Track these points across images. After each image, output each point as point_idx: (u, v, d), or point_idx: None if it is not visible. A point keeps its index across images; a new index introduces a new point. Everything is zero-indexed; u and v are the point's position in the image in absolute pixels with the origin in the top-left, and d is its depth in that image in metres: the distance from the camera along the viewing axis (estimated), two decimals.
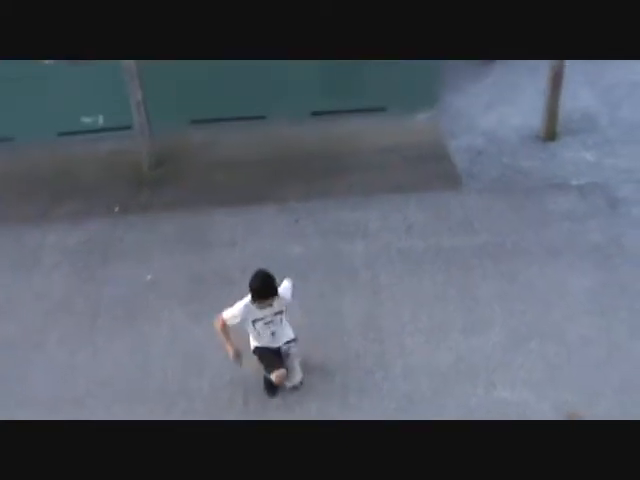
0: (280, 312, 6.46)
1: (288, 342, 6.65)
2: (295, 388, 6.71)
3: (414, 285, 7.69)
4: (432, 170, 9.37)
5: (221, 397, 6.69)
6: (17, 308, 7.81)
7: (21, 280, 8.16)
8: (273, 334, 6.52)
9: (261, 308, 6.29)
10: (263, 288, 6.18)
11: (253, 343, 6.62)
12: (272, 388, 6.72)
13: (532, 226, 8.33)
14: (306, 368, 6.88)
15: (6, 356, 7.28)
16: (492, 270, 7.78)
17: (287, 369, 6.61)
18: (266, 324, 6.44)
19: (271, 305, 6.30)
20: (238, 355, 6.51)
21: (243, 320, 6.35)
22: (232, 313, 6.33)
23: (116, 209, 9.02)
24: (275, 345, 6.61)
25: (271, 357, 6.60)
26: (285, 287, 6.54)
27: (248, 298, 6.28)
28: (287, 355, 6.67)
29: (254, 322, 6.40)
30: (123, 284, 7.97)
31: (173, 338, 7.22)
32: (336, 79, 9.94)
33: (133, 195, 9.27)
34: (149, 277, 7.91)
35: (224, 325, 6.37)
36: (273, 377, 6.53)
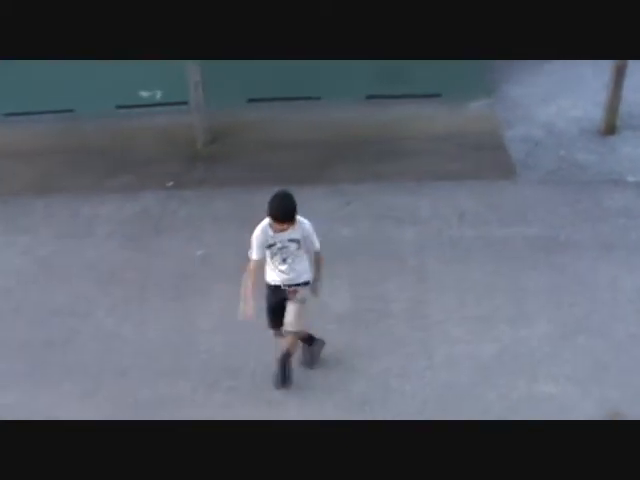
0: (296, 240, 6.18)
1: (298, 284, 6.37)
2: (289, 333, 6.45)
3: (462, 273, 7.65)
4: (486, 159, 9.30)
5: (266, 375, 6.72)
6: (68, 277, 7.95)
7: (74, 249, 8.30)
8: (284, 261, 6.25)
9: (276, 232, 6.10)
10: (280, 209, 6.03)
11: (266, 277, 6.41)
12: (281, 372, 6.63)
13: (586, 220, 8.23)
14: (351, 351, 6.92)
15: (55, 324, 7.42)
16: (543, 262, 7.71)
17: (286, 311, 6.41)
18: (280, 249, 6.19)
19: (285, 230, 6.10)
20: (249, 314, 6.24)
21: (263, 245, 6.14)
22: (254, 245, 6.19)
23: (170, 183, 9.12)
24: (285, 280, 6.32)
25: (270, 304, 6.46)
26: (308, 224, 6.27)
27: (265, 221, 6.16)
28: (292, 297, 6.39)
29: (269, 247, 6.19)
30: (174, 258, 8.06)
31: (221, 314, 7.25)
32: (392, 63, 9.88)
33: (187, 170, 9.36)
34: (199, 252, 7.99)
35: (257, 265, 6.24)
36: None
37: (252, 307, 6.21)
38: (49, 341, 7.23)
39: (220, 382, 6.72)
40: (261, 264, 6.30)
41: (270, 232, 6.12)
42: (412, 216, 8.40)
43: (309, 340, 6.79)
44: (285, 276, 6.34)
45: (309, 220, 6.26)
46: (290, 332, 6.45)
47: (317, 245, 6.30)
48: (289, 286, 6.37)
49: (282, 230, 6.09)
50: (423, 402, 6.46)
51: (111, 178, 9.31)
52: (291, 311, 6.39)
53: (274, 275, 6.37)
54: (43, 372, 6.92)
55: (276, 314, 6.49)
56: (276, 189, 6.18)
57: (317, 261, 6.40)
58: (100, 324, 7.39)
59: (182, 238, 8.30)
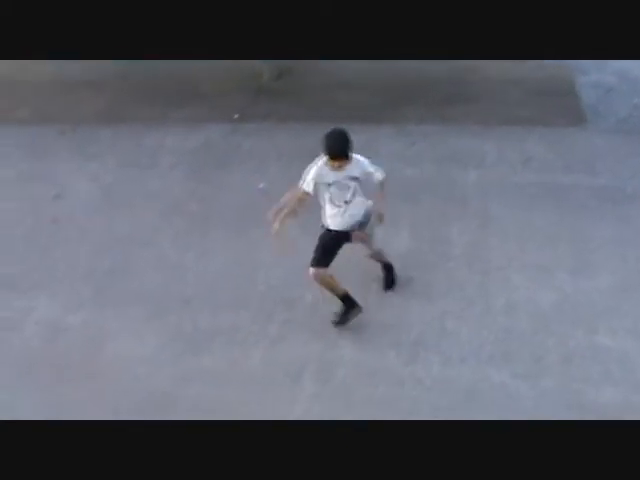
0: (356, 178, 6.18)
1: (361, 223, 6.42)
2: (377, 254, 6.78)
3: (525, 220, 7.57)
4: (556, 105, 9.13)
5: (322, 309, 6.78)
6: (133, 206, 8.07)
7: (138, 180, 8.42)
8: (347, 203, 6.27)
9: (334, 170, 6.12)
10: (335, 145, 6.03)
11: (326, 220, 6.43)
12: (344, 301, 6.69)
13: None
14: (409, 291, 6.94)
15: (120, 252, 7.56)
16: (609, 213, 7.58)
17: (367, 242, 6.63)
18: (340, 190, 6.20)
19: (343, 168, 6.11)
20: (283, 246, 6.46)
21: (318, 181, 6.17)
22: (307, 177, 6.23)
23: (235, 116, 9.13)
24: (348, 223, 6.36)
25: (333, 248, 6.40)
26: (364, 160, 6.30)
27: (323, 159, 6.15)
28: (363, 236, 6.52)
29: (329, 186, 6.19)
30: (237, 190, 8.12)
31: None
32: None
33: (252, 104, 9.37)
34: (262, 185, 8.02)
35: (304, 196, 6.28)
36: (310, 271, 6.40)
37: (286, 241, 6.39)
38: (112, 268, 7.39)
39: (277, 314, 6.80)
40: (306, 198, 6.30)
41: (327, 170, 6.12)
42: (477, 160, 8.32)
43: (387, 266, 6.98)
44: (349, 219, 6.36)
45: (371, 159, 6.23)
46: (377, 251, 6.76)
47: (379, 174, 6.35)
48: (352, 230, 6.42)
49: (339, 167, 6.07)
50: (479, 346, 6.46)
51: (176, 110, 9.36)
52: (368, 246, 6.63)
53: (337, 219, 6.37)
54: (107, 297, 7.08)
55: (333, 256, 6.47)
56: (331, 128, 6.16)
57: (381, 187, 6.45)
58: (163, 254, 7.51)
59: (245, 171, 8.35)
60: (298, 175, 8.01)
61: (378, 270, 7.00)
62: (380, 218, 6.56)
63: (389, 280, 6.99)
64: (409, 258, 7.23)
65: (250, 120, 9.09)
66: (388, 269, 6.97)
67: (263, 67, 9.64)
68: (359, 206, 6.36)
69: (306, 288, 6.98)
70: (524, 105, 9.10)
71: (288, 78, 9.65)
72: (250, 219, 7.72)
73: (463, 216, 7.65)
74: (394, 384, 6.24)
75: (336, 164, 6.05)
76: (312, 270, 6.41)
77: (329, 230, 6.45)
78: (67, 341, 6.74)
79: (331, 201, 6.28)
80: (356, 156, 6.16)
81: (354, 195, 6.26)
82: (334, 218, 6.38)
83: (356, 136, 8.48)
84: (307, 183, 6.23)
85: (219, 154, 8.59)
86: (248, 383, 6.32)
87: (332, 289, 6.53)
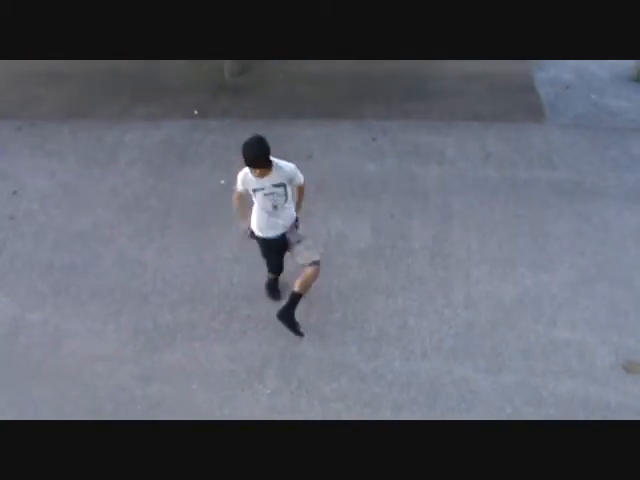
0: (281, 185, 6.03)
1: (291, 225, 6.29)
2: (315, 263, 6.27)
3: (486, 215, 7.62)
4: (515, 101, 9.19)
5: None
6: (92, 202, 7.97)
7: (97, 175, 8.32)
8: (275, 208, 6.11)
9: (257, 177, 5.94)
10: (251, 154, 5.81)
11: (256, 230, 6.29)
12: (270, 285, 6.85)
13: (614, 168, 8.15)
14: (369, 288, 6.95)
15: (79, 248, 7.48)
16: (568, 208, 7.65)
17: (297, 253, 6.31)
18: (266, 195, 6.05)
19: (266, 175, 5.93)
20: (250, 233, 6.34)
21: (244, 187, 6.08)
22: (237, 181, 6.14)
23: (195, 112, 9.08)
24: (278, 229, 6.23)
25: (270, 255, 6.48)
26: (288, 166, 6.11)
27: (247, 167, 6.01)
28: (295, 240, 6.30)
29: (254, 191, 6.07)
30: (197, 186, 8.07)
31: (242, 244, 7.25)
32: None
33: (213, 100, 9.31)
34: (223, 182, 7.98)
35: (238, 196, 6.26)
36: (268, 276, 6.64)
37: (248, 227, 6.31)
38: (72, 265, 7.31)
39: (238, 310, 6.78)
40: (243, 195, 6.22)
41: (251, 177, 5.98)
42: (438, 155, 8.35)
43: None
44: (274, 226, 6.23)
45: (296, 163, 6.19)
46: (314, 262, 6.29)
47: (301, 180, 6.23)
48: (279, 238, 6.29)
49: (261, 175, 5.93)
50: (440, 340, 6.50)
51: (137, 106, 9.28)
52: (303, 248, 6.30)
53: (265, 227, 6.24)
54: (66, 294, 7.01)
55: (277, 261, 6.52)
56: (250, 135, 5.90)
57: (299, 193, 6.37)
58: (123, 250, 7.44)
59: (206, 167, 8.30)
60: None
61: (339, 268, 7.00)
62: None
63: (289, 310, 6.47)
64: (370, 253, 7.25)
65: (211, 116, 9.04)
66: (294, 298, 6.45)
67: (224, 63, 9.59)
68: (287, 214, 6.24)
69: None
70: (484, 101, 9.16)
71: (249, 74, 9.61)
72: (210, 215, 7.69)
73: (424, 211, 7.68)
74: (356, 380, 6.26)
75: (257, 172, 5.91)
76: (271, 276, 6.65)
77: (262, 239, 6.34)
78: (26, 339, 6.66)
79: (262, 208, 6.16)
80: (279, 162, 6.02)
81: (284, 201, 6.13)
82: (259, 224, 6.25)
83: (317, 131, 8.61)
84: (238, 185, 6.16)
85: (179, 150, 8.53)
86: (210, 380, 6.30)
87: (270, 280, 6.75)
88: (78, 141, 8.75)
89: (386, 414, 6.01)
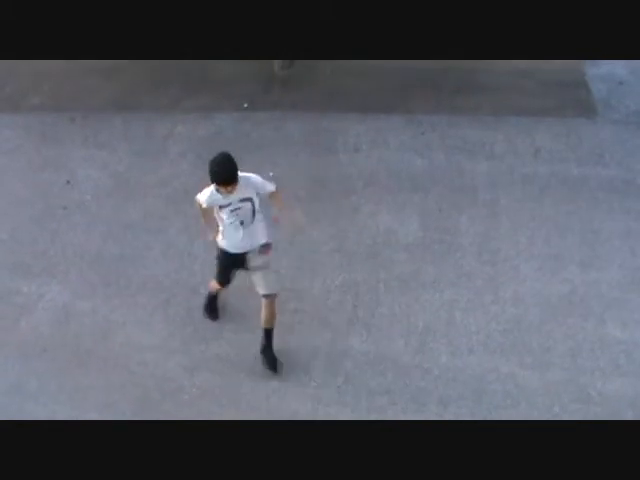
0: (248, 199, 5.93)
1: (260, 245, 6.15)
2: (269, 297, 6.23)
3: (535, 211, 7.55)
4: (567, 96, 9.06)
5: (331, 299, 6.81)
6: (142, 194, 8.07)
7: (148, 167, 8.40)
8: (242, 223, 5.99)
9: (226, 193, 5.85)
10: (220, 172, 5.76)
11: (220, 241, 6.20)
12: (210, 304, 6.77)
13: None
14: (416, 282, 6.94)
15: (129, 239, 7.58)
16: (618, 206, 7.55)
17: (255, 279, 6.24)
18: (233, 211, 5.94)
19: (234, 190, 5.83)
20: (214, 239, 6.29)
21: (211, 204, 6.00)
22: (201, 197, 6.06)
23: (245, 105, 9.12)
24: (243, 246, 6.12)
25: (226, 269, 6.35)
26: (253, 176, 6.02)
27: (212, 186, 5.94)
28: (256, 265, 6.18)
29: (221, 208, 5.96)
30: None
31: (290, 238, 7.30)
32: None
33: (263, 93, 9.33)
34: (271, 174, 8.01)
35: (200, 206, 6.16)
36: (210, 284, 6.55)
37: (213, 236, 6.24)
38: (122, 255, 7.41)
39: (286, 303, 6.75)
40: (208, 209, 6.12)
41: (218, 195, 5.90)
42: (487, 150, 8.29)
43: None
44: (244, 243, 6.11)
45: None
46: (270, 295, 6.25)
47: (270, 186, 6.11)
48: (248, 252, 6.16)
49: (230, 191, 5.83)
50: (487, 336, 6.48)
51: (187, 98, 9.33)
52: (261, 277, 6.23)
53: (232, 243, 6.14)
54: (116, 284, 7.12)
55: (229, 276, 6.42)
56: (216, 154, 5.89)
57: (276, 198, 6.22)
58: (172, 241, 7.53)
59: (255, 160, 8.29)
60: (305, 163, 8.11)
61: (386, 262, 7.00)
62: (296, 221, 6.31)
63: (269, 346, 6.45)
64: (418, 248, 7.24)
65: (260, 109, 9.07)
66: (267, 334, 6.44)
67: None
68: (257, 231, 6.13)
69: (315, 278, 7.02)
70: (535, 96, 9.05)
71: (299, 67, 9.60)
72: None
73: (472, 206, 7.64)
74: (402, 374, 6.27)
75: (228, 189, 5.82)
76: (211, 287, 6.63)
77: (225, 253, 6.24)
78: (76, 327, 6.78)
79: (230, 224, 6.05)
80: (245, 175, 5.91)
81: (251, 217, 6.02)
82: (226, 240, 6.16)
83: (365, 125, 8.60)
84: (202, 201, 6.07)
85: (229, 143, 8.55)
86: (257, 371, 6.35)
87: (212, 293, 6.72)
88: (129, 133, 8.84)
89: (431, 409, 6.01)
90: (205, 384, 6.31)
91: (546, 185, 7.84)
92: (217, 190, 5.88)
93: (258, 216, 6.07)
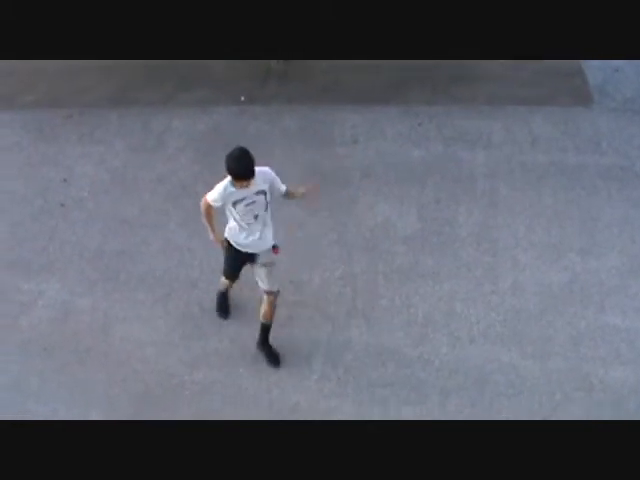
0: (262, 192, 5.90)
1: (272, 245, 6.17)
2: (271, 294, 6.30)
3: (533, 200, 7.55)
4: (563, 85, 9.05)
5: (330, 291, 6.80)
6: (140, 190, 8.04)
7: (145, 162, 8.37)
8: (256, 217, 5.96)
9: (241, 188, 5.82)
10: (239, 167, 5.71)
11: (229, 236, 6.16)
12: (220, 302, 6.77)
13: None
14: (416, 273, 6.93)
15: (127, 235, 7.56)
16: (617, 193, 7.55)
17: (260, 275, 6.26)
18: (247, 205, 5.90)
19: (250, 184, 5.80)
20: (221, 243, 6.25)
21: (224, 202, 5.93)
22: (213, 195, 5.96)
23: (242, 98, 9.10)
24: (253, 247, 6.12)
25: (235, 262, 6.29)
26: (268, 170, 6.01)
27: (228, 179, 5.87)
28: (263, 262, 6.18)
29: (235, 204, 5.91)
30: None
31: (286, 230, 7.28)
32: None
33: (259, 86, 9.31)
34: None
35: (208, 207, 6.06)
36: (221, 281, 6.54)
37: (218, 238, 6.23)
38: (121, 251, 7.40)
39: (285, 296, 6.71)
40: (213, 209, 6.08)
41: (233, 189, 5.85)
42: (484, 140, 8.27)
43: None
44: (255, 242, 6.09)
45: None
46: (273, 292, 6.29)
47: (283, 186, 6.09)
48: (257, 253, 6.16)
49: (246, 185, 5.81)
50: (488, 326, 6.48)
51: (184, 92, 9.31)
52: (266, 273, 6.22)
53: (243, 239, 6.10)
54: (115, 280, 7.10)
55: (237, 270, 6.39)
56: (233, 149, 5.83)
57: (290, 192, 6.18)
58: (170, 236, 7.51)
59: (253, 154, 8.31)
60: (303, 157, 8.10)
61: (385, 254, 7.00)
62: (298, 192, 6.27)
63: (266, 340, 6.53)
64: (416, 239, 7.23)
65: (258, 102, 9.04)
66: (264, 328, 6.50)
67: None
68: (267, 228, 6.12)
69: (314, 270, 7.01)
70: (531, 85, 9.04)
71: (295, 60, 9.59)
72: None
73: (470, 196, 7.63)
74: (403, 365, 6.27)
75: (244, 183, 5.80)
76: (221, 285, 6.60)
77: (235, 250, 6.21)
78: (76, 324, 6.78)
79: (238, 219, 6.02)
80: (260, 169, 5.87)
81: (264, 211, 5.99)
82: (236, 238, 6.13)
83: (362, 117, 8.58)
84: (214, 201, 5.99)
85: (226, 137, 8.54)
86: (257, 365, 6.35)
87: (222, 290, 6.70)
88: (126, 128, 8.81)
89: (433, 400, 6.01)
90: (206, 379, 6.31)
91: (544, 174, 7.83)
92: (232, 184, 5.84)
93: (269, 214, 6.03)
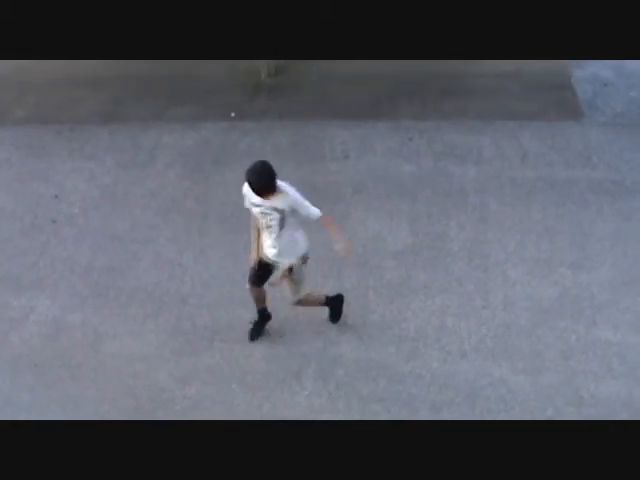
0: (278, 210, 5.77)
1: (280, 262, 6.11)
2: (295, 303, 6.36)
3: (524, 215, 7.56)
4: (553, 99, 9.12)
5: (322, 310, 6.79)
6: (130, 205, 8.05)
7: (135, 178, 8.39)
8: (269, 228, 5.91)
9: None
10: (257, 182, 5.64)
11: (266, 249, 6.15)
12: (258, 324, 6.70)
13: None
14: (407, 288, 6.93)
15: (117, 251, 7.55)
16: (608, 207, 7.58)
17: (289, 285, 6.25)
18: (263, 214, 5.85)
19: (268, 199, 5.73)
20: (256, 262, 6.24)
21: (247, 200, 5.92)
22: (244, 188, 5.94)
23: (232, 114, 9.12)
24: (270, 254, 6.09)
25: (258, 272, 6.29)
26: (292, 194, 5.80)
27: None
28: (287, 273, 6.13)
29: (253, 205, 5.88)
30: (234, 188, 8.02)
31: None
32: None
33: (249, 101, 9.35)
34: None
35: (256, 223, 6.07)
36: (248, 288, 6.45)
37: (258, 256, 6.22)
38: (111, 267, 7.38)
39: (276, 312, 6.74)
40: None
41: (252, 194, 5.80)
42: (474, 155, 8.31)
43: (325, 302, 6.62)
44: (271, 249, 6.07)
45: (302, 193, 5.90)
46: (295, 302, 6.36)
47: (315, 212, 5.87)
48: (274, 263, 6.14)
49: (265, 199, 5.76)
50: (479, 341, 6.47)
51: (174, 108, 9.34)
52: (287, 284, 6.24)
53: (264, 243, 6.12)
54: (106, 296, 7.08)
55: (258, 270, 6.32)
56: (255, 161, 5.79)
57: (325, 226, 6.03)
58: (161, 252, 7.50)
59: (242, 169, 8.21)
60: (294, 172, 8.06)
61: (376, 269, 7.00)
62: (344, 249, 6.12)
63: (336, 313, 6.70)
64: (407, 254, 7.23)
65: (247, 118, 9.07)
66: (330, 302, 6.63)
67: (260, 65, 9.61)
68: (284, 241, 6.00)
69: (305, 285, 6.98)
70: (521, 99, 9.10)
71: (285, 75, 9.63)
72: (247, 217, 7.67)
73: (461, 211, 7.65)
74: (395, 380, 6.25)
75: (258, 198, 5.78)
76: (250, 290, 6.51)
77: (259, 261, 6.26)
78: (67, 340, 6.74)
79: (260, 225, 6.03)
80: (286, 189, 5.76)
81: (278, 228, 5.90)
82: (263, 246, 6.16)
83: (352, 132, 8.61)
84: (244, 194, 5.98)
85: (216, 152, 8.58)
86: (248, 380, 6.33)
87: (257, 301, 6.59)
88: (116, 144, 8.83)
89: (424, 415, 5.99)
90: (197, 395, 6.27)
91: (534, 188, 7.85)
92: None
93: (287, 228, 5.91)
